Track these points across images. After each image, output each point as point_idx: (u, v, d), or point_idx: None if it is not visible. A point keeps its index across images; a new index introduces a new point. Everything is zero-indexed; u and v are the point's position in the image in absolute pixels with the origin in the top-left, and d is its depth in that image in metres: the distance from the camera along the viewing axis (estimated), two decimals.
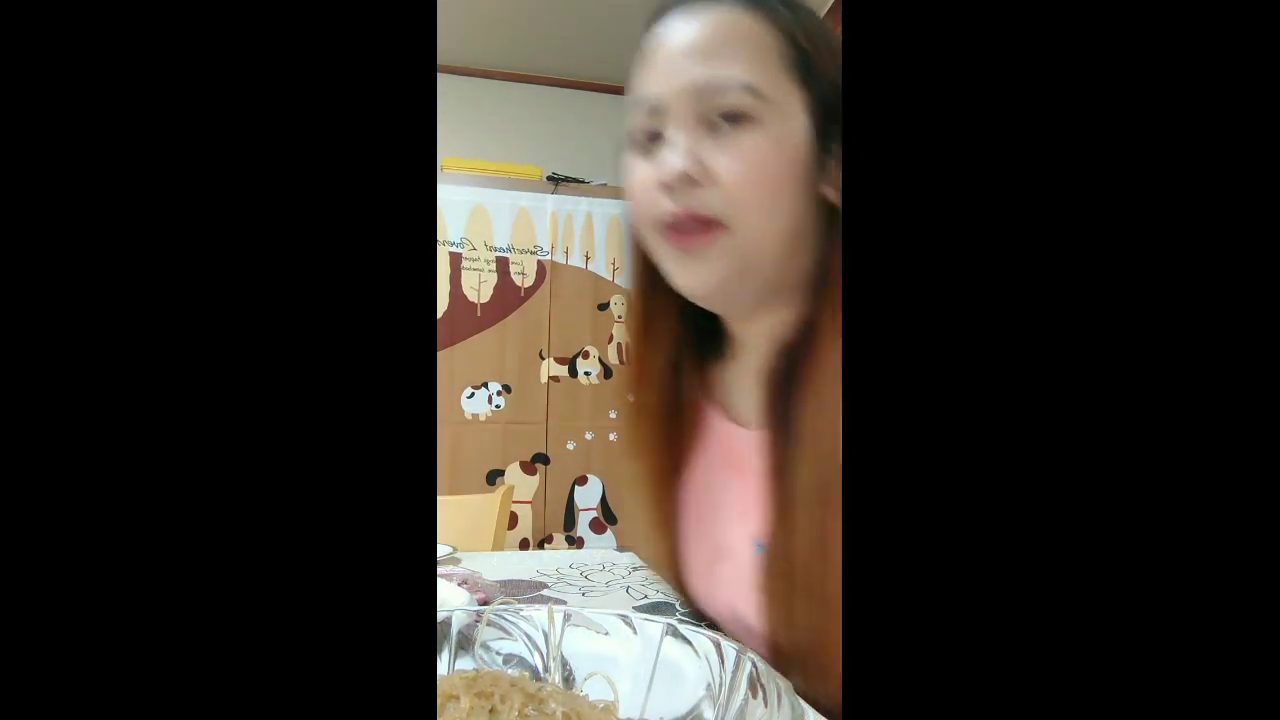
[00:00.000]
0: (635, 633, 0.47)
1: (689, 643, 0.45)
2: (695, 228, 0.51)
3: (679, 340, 0.63)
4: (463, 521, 1.71)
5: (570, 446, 2.54)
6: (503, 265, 2.53)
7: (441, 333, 2.44)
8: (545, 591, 0.85)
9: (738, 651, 0.42)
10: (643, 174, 0.54)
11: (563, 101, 2.88)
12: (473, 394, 2.49)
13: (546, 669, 0.48)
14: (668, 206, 0.52)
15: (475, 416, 2.49)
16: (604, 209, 2.55)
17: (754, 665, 0.41)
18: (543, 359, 2.54)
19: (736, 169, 0.50)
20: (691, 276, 0.53)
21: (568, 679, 0.47)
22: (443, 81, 2.62)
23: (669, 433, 0.64)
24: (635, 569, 1.01)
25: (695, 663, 0.44)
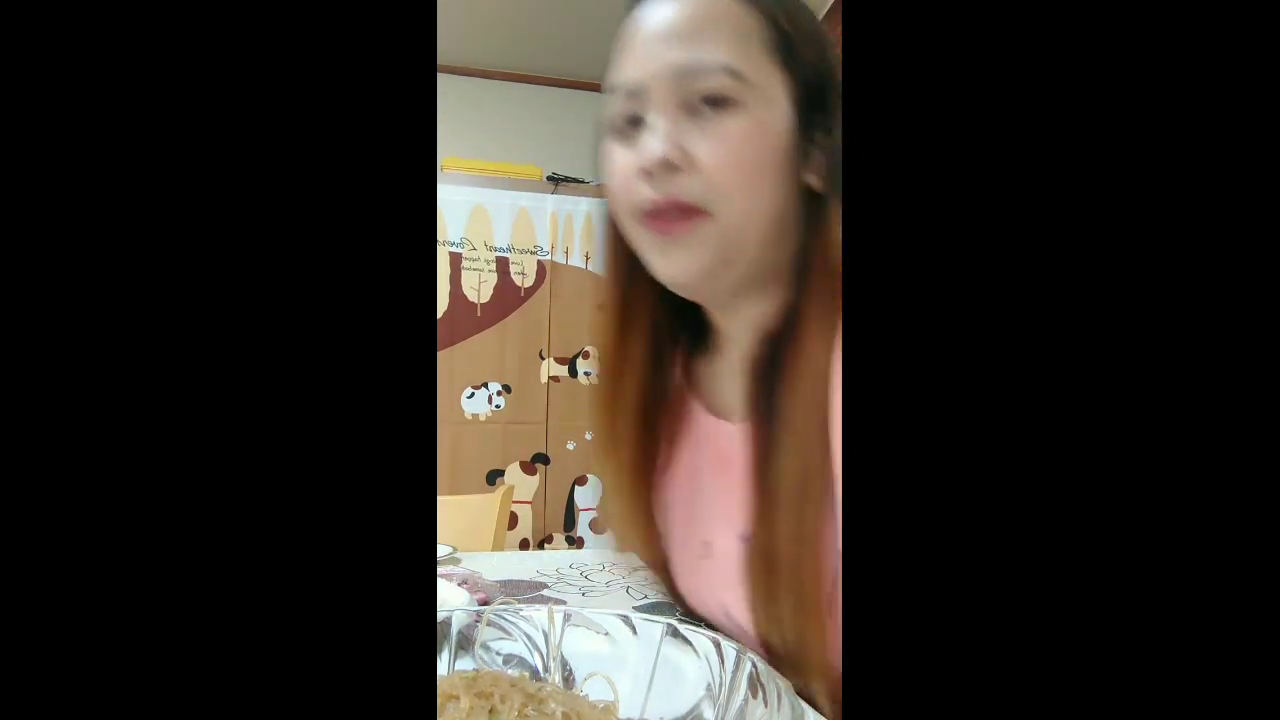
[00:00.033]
0: (635, 633, 0.47)
1: (689, 643, 0.45)
2: (676, 215, 0.50)
3: (657, 332, 0.62)
4: (463, 521, 1.71)
5: (570, 446, 2.54)
6: (503, 265, 2.53)
7: (441, 333, 2.44)
8: (545, 591, 0.85)
9: (738, 651, 0.42)
10: (622, 161, 0.53)
11: (563, 101, 2.88)
12: (473, 394, 2.49)
13: (546, 669, 0.48)
14: (648, 194, 0.51)
15: (475, 416, 2.49)
16: (604, 209, 2.54)
17: (754, 665, 0.41)
18: (543, 359, 2.54)
19: (718, 154, 0.49)
20: (673, 265, 0.52)
21: (568, 679, 0.47)
22: (443, 81, 2.62)
23: (647, 426, 0.63)
24: (635, 569, 1.01)
25: (695, 663, 0.44)
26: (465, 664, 0.47)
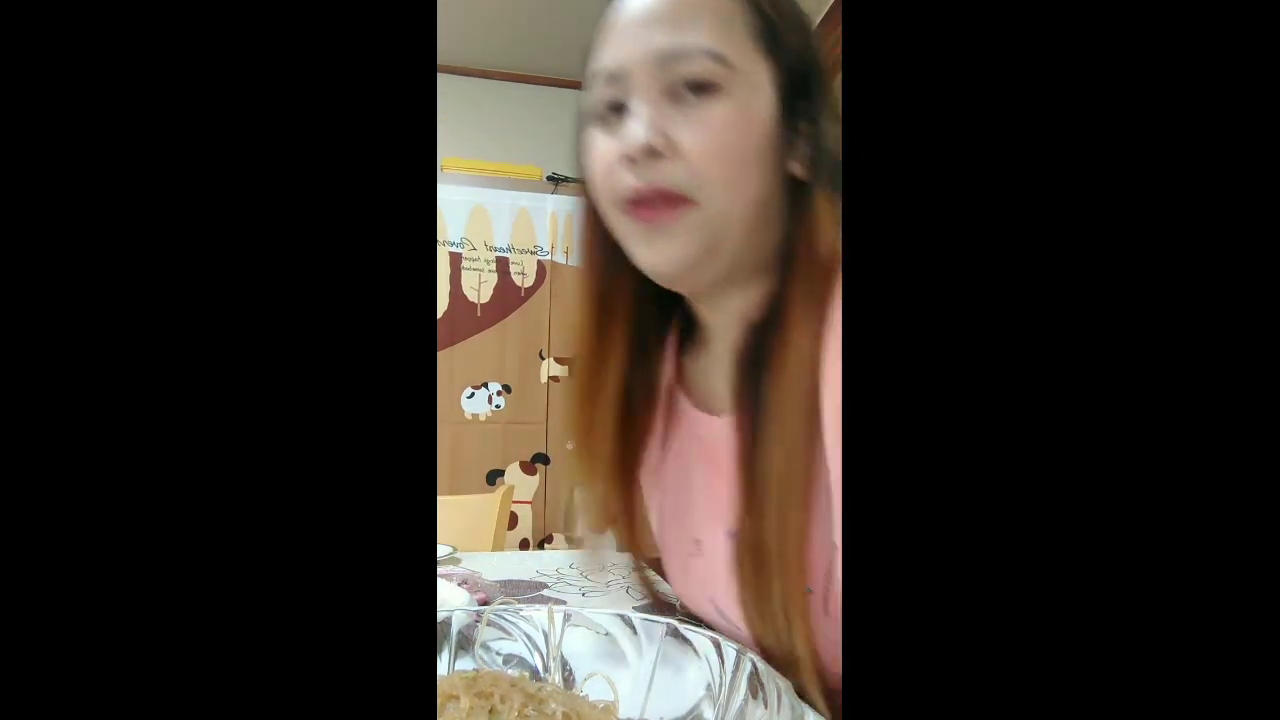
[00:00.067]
0: (635, 633, 0.47)
1: (689, 643, 0.45)
2: (660, 203, 0.49)
3: (638, 326, 0.61)
4: (463, 521, 1.70)
5: (570, 446, 2.53)
6: (503, 265, 2.53)
7: (441, 333, 2.44)
8: (545, 591, 0.85)
9: (738, 652, 0.42)
10: (604, 148, 0.52)
11: (563, 101, 2.88)
12: (473, 394, 2.49)
13: (546, 669, 0.48)
14: (631, 182, 0.50)
15: (475, 416, 2.49)
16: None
17: (754, 665, 0.41)
18: (543, 359, 2.54)
19: (702, 141, 0.48)
20: (656, 254, 0.51)
21: (568, 679, 0.47)
22: (443, 81, 2.62)
23: (627, 424, 0.62)
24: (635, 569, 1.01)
25: (695, 663, 0.44)
26: (465, 664, 0.47)
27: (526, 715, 0.39)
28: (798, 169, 0.52)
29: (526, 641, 0.49)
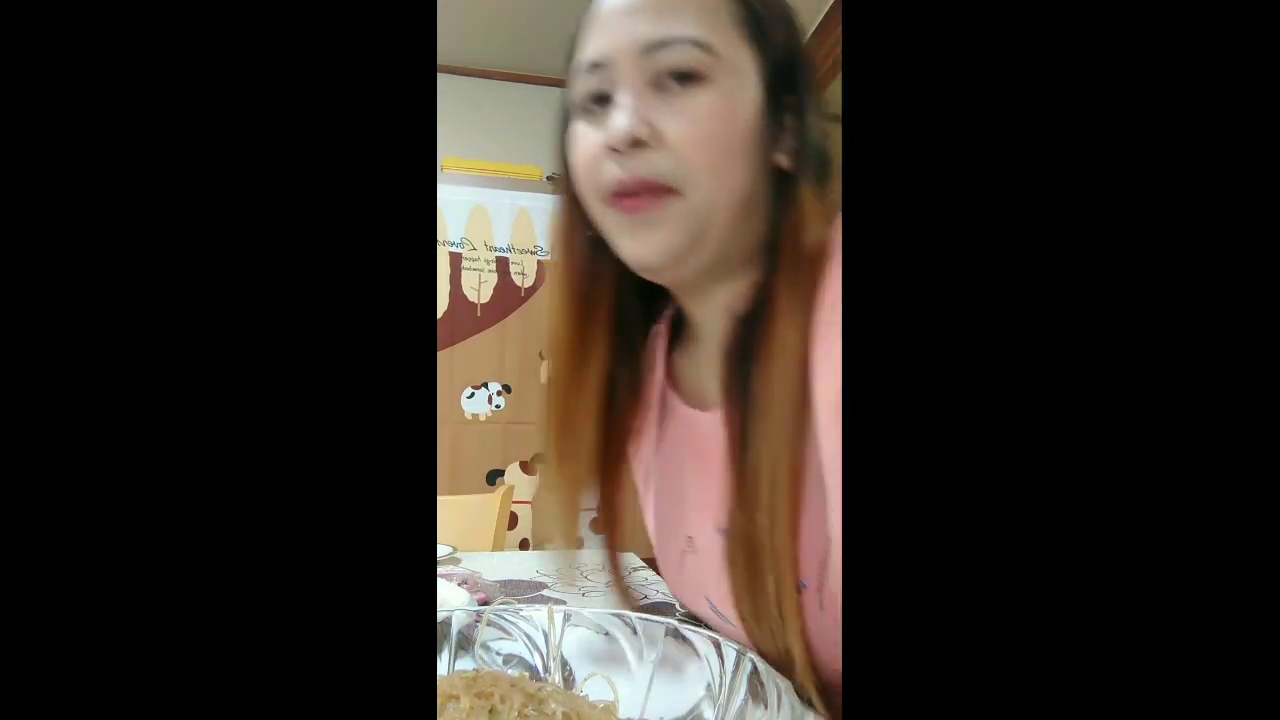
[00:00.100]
0: (635, 633, 0.47)
1: (689, 643, 0.45)
2: (644, 193, 0.49)
3: (621, 322, 0.61)
4: (463, 521, 1.70)
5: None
6: (503, 265, 2.53)
7: (441, 333, 2.44)
8: (545, 591, 0.85)
9: (738, 652, 0.42)
10: (589, 140, 0.52)
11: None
12: (473, 394, 2.49)
13: (546, 669, 0.48)
14: (615, 173, 0.50)
15: (475, 416, 2.49)
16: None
17: (754, 665, 0.41)
18: (543, 359, 2.53)
19: (687, 130, 0.48)
20: (641, 245, 0.51)
21: (568, 679, 0.47)
22: (443, 81, 2.62)
23: (609, 419, 0.62)
24: (635, 569, 1.01)
25: (695, 663, 0.44)
26: (465, 664, 0.47)
27: (526, 715, 0.39)
28: (783, 161, 0.52)
29: (526, 641, 0.49)
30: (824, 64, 2.01)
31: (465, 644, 0.48)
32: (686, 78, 0.49)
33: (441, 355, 2.42)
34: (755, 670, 0.40)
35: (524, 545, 2.45)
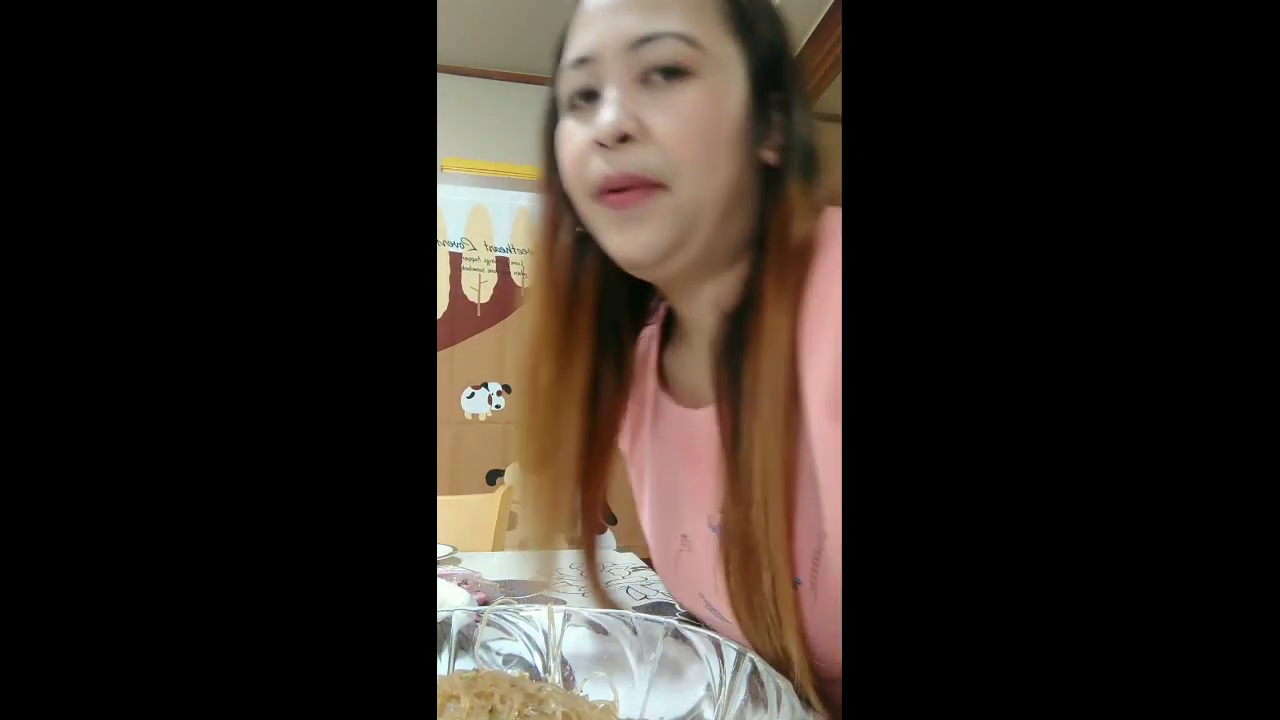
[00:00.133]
0: (635, 633, 0.47)
1: (689, 643, 0.45)
2: (632, 188, 0.49)
3: (606, 319, 0.60)
4: (463, 521, 1.70)
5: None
6: (503, 265, 2.53)
7: (441, 333, 2.44)
8: (545, 591, 0.85)
9: (738, 652, 0.42)
10: (577, 136, 0.52)
11: None
12: (473, 394, 2.49)
13: (546, 669, 0.48)
14: (602, 169, 0.50)
15: (475, 416, 2.49)
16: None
17: (754, 665, 0.41)
18: None
19: (674, 124, 0.48)
20: (629, 241, 0.51)
21: (568, 679, 0.47)
22: (443, 81, 2.62)
23: (593, 419, 0.61)
24: (635, 569, 1.01)
25: (695, 663, 0.44)
26: (465, 664, 0.47)
27: (526, 715, 0.39)
28: (770, 156, 0.52)
29: (526, 641, 0.49)
30: (824, 64, 2.01)
31: (465, 644, 0.48)
32: (673, 73, 0.49)
33: (441, 355, 2.42)
34: (755, 670, 0.40)
35: (524, 545, 2.45)
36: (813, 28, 2.02)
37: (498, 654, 0.49)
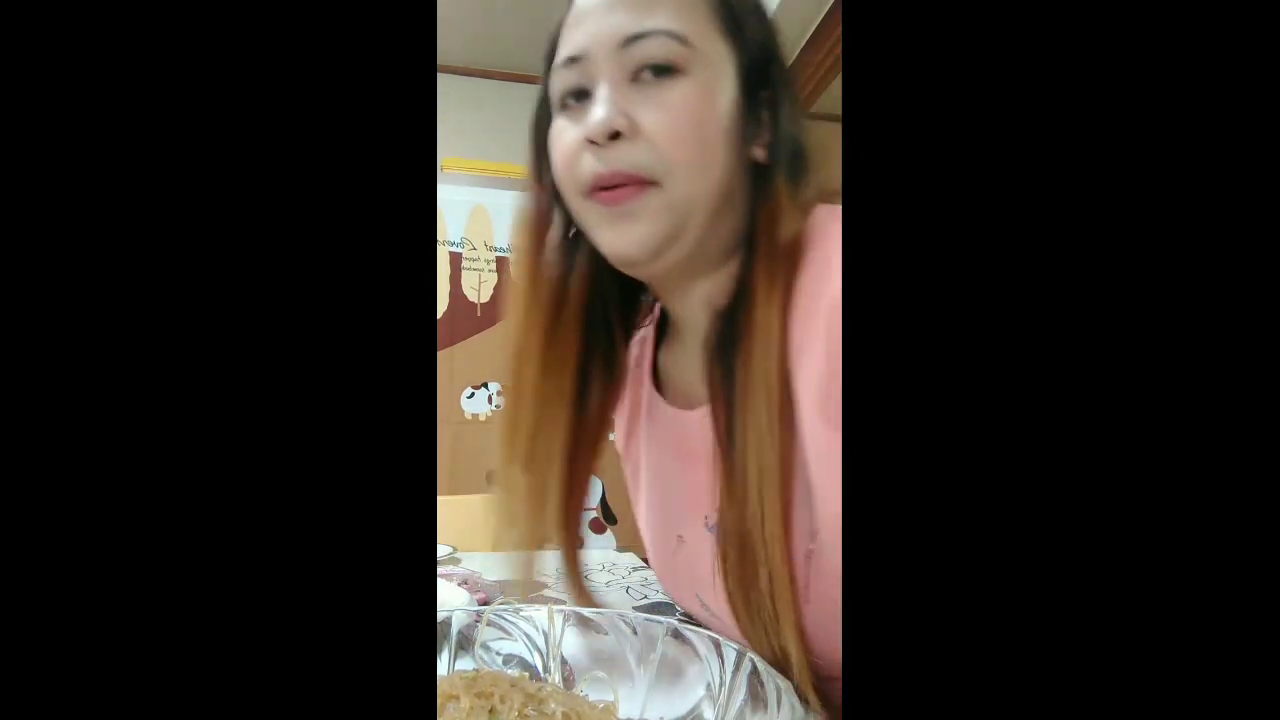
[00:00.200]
0: (635, 633, 0.47)
1: (689, 643, 0.45)
2: (624, 185, 0.50)
3: (595, 319, 0.60)
4: (463, 521, 1.71)
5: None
6: (503, 265, 2.53)
7: (441, 333, 2.44)
8: (545, 591, 0.85)
9: (738, 652, 0.42)
10: (569, 135, 0.52)
11: None
12: (473, 394, 2.49)
13: (546, 669, 0.48)
14: (594, 167, 0.50)
15: (475, 416, 2.49)
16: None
17: (754, 666, 0.41)
18: None
19: (664, 120, 0.49)
20: (621, 237, 0.51)
21: (568, 679, 0.47)
22: (443, 81, 2.62)
23: (579, 420, 0.61)
24: (635, 569, 1.01)
25: (695, 663, 0.44)
26: (465, 664, 0.47)
27: (526, 715, 0.39)
28: (760, 154, 0.53)
29: (526, 641, 0.49)
30: (824, 64, 2.01)
31: (465, 644, 0.48)
32: (663, 70, 0.49)
33: (441, 355, 2.42)
34: (755, 670, 0.40)
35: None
36: (813, 28, 2.02)
37: (498, 654, 0.49)
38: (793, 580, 0.48)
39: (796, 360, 0.48)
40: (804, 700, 0.43)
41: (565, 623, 0.49)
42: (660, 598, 0.80)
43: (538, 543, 0.63)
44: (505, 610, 0.50)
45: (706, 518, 0.56)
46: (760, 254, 0.51)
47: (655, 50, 0.49)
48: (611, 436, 0.69)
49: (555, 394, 0.59)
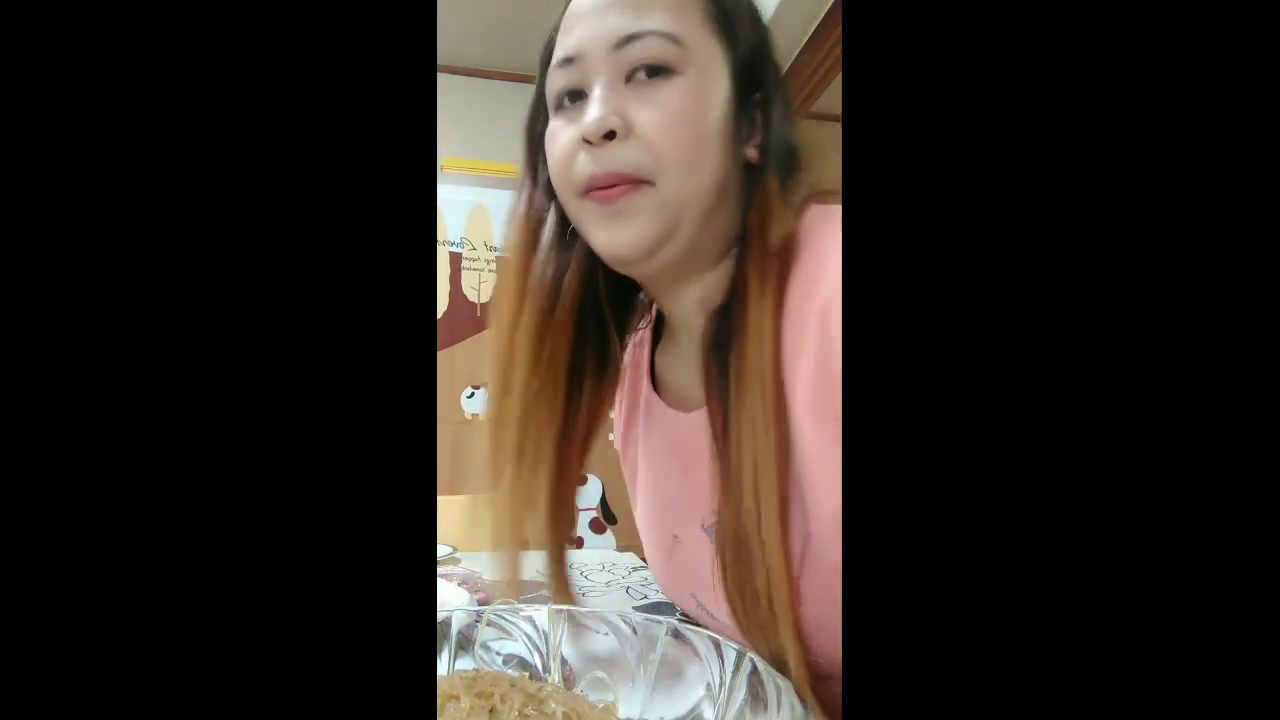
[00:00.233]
0: (635, 633, 0.47)
1: (689, 643, 0.45)
2: (618, 185, 0.50)
3: (588, 320, 0.60)
4: (462, 521, 1.71)
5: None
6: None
7: (441, 333, 2.44)
8: (545, 591, 0.85)
9: (738, 652, 0.42)
10: (564, 135, 0.53)
11: None
12: (473, 394, 2.49)
13: (546, 669, 0.48)
14: (589, 168, 0.51)
15: (475, 416, 2.49)
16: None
17: (754, 666, 0.41)
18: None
19: (658, 120, 0.49)
20: (616, 236, 0.51)
21: (568, 679, 0.47)
22: (443, 81, 2.62)
23: (571, 419, 0.61)
24: (635, 569, 1.01)
25: (695, 663, 0.44)
26: (465, 664, 0.47)
27: (526, 715, 0.39)
28: (753, 155, 0.53)
29: (526, 641, 0.49)
30: (824, 64, 2.01)
31: (465, 644, 0.48)
32: (657, 71, 0.50)
33: (441, 355, 2.43)
34: (755, 670, 0.40)
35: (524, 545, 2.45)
36: (813, 28, 2.02)
37: (498, 654, 0.49)
38: (790, 579, 0.48)
39: (789, 361, 0.48)
40: (802, 697, 0.43)
41: (565, 623, 0.49)
42: (660, 598, 0.80)
43: (524, 542, 0.63)
44: (505, 610, 0.50)
45: (704, 520, 0.56)
46: (753, 253, 0.51)
47: (649, 51, 0.50)
48: (611, 437, 0.69)
49: (545, 391, 0.59)
